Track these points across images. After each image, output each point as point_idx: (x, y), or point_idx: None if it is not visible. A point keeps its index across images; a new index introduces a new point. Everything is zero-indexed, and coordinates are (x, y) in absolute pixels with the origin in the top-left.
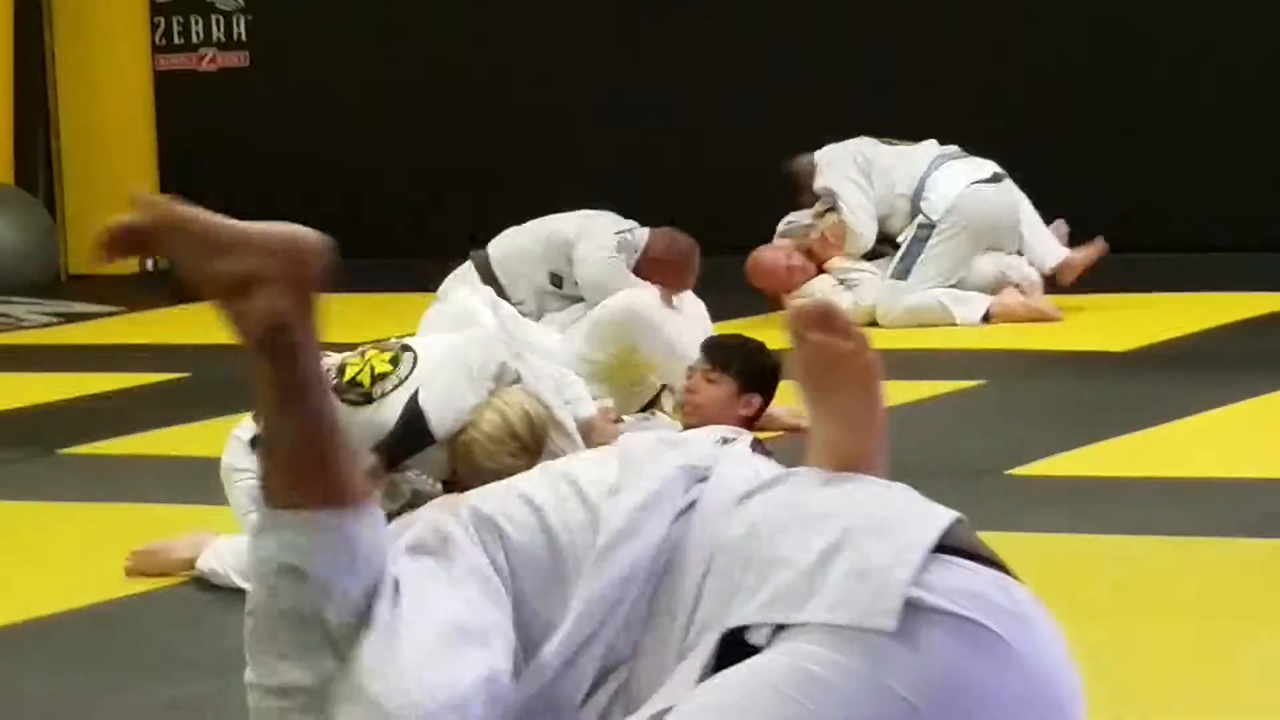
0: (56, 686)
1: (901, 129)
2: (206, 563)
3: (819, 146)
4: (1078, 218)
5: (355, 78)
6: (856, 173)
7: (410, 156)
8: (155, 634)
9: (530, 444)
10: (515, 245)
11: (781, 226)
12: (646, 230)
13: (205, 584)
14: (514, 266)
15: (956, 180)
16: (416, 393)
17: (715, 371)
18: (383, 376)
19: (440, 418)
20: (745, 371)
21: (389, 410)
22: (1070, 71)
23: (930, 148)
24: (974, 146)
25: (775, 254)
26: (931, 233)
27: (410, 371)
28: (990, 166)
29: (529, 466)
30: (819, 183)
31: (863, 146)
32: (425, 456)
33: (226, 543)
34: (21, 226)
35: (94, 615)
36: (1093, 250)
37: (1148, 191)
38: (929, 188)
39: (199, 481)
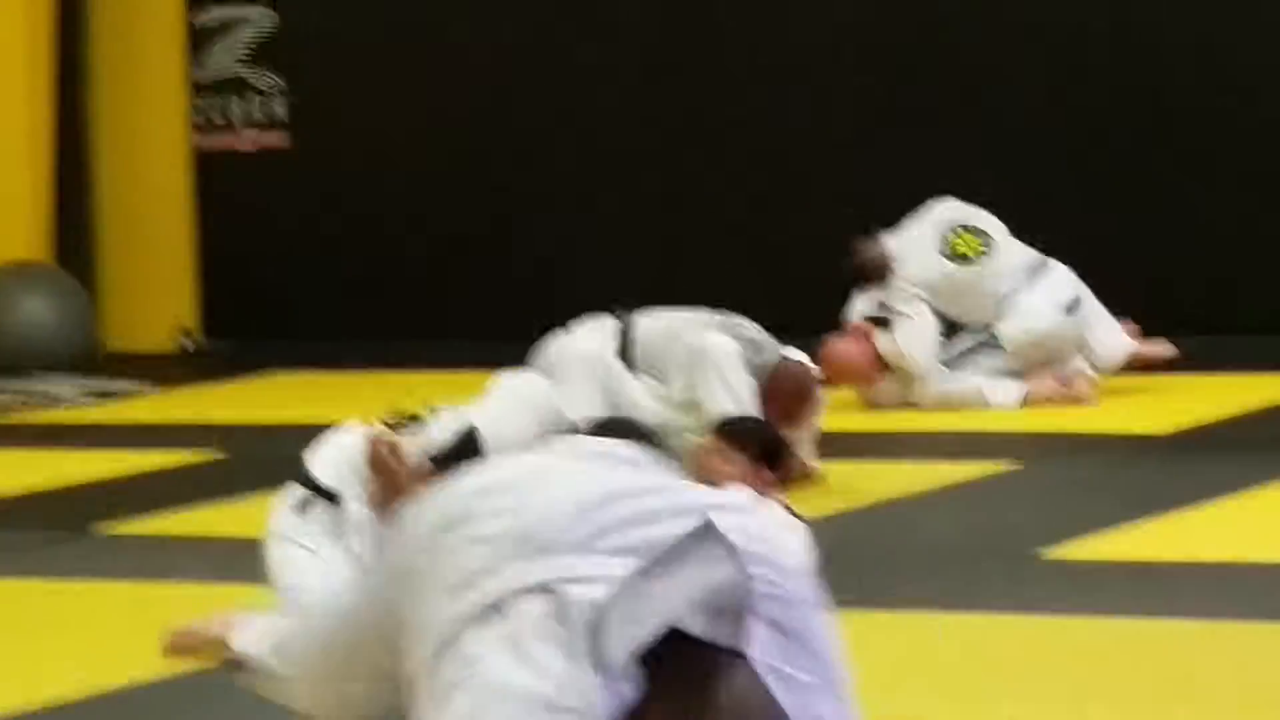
0: None
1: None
2: (239, 644)
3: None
4: (1111, 298)
5: (396, 160)
6: (918, 308)
7: (449, 238)
8: (189, 716)
9: None
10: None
11: (856, 313)
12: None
13: (241, 665)
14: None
15: (1040, 315)
16: (468, 418)
17: (730, 450)
18: (435, 410)
19: (494, 434)
20: (758, 446)
21: (437, 429)
22: (1111, 138)
23: (1013, 265)
24: (1019, 217)
25: (860, 348)
26: (998, 350)
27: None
28: (1069, 288)
29: None
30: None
31: (931, 275)
32: None
33: (260, 621)
34: (58, 304)
35: (127, 697)
36: (1159, 350)
37: (1181, 269)
38: (1009, 314)
39: (235, 561)
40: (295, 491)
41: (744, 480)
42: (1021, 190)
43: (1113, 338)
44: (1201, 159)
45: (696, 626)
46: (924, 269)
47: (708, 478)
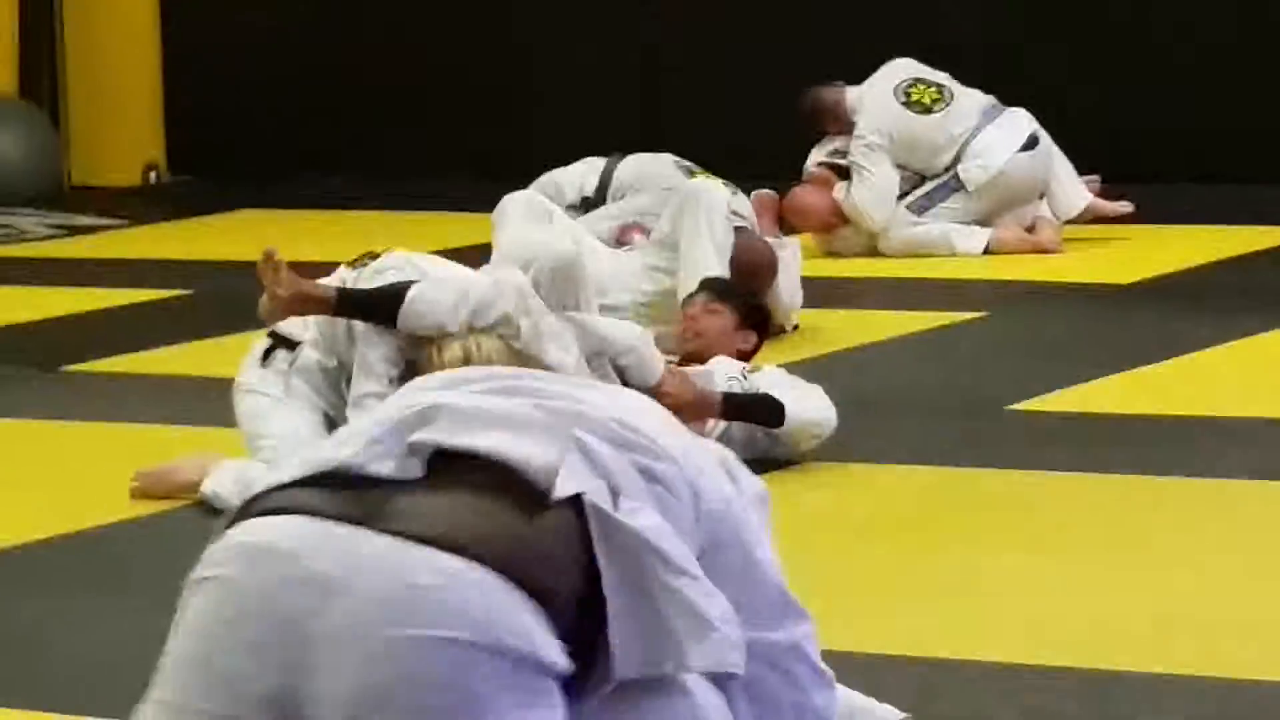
0: (50, 609)
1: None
2: (210, 486)
3: (837, 69)
4: (1077, 148)
5: None
6: (878, 160)
7: (417, 74)
8: (155, 558)
9: None
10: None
11: (813, 161)
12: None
13: (209, 508)
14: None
15: (997, 152)
16: (416, 272)
17: (717, 304)
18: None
19: (412, 304)
20: (746, 308)
21: (382, 266)
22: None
23: (969, 108)
24: (980, 75)
25: (820, 199)
26: (961, 191)
27: (420, 264)
28: (1027, 126)
29: None
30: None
31: (891, 122)
32: (380, 335)
33: (231, 466)
34: (24, 137)
35: (93, 538)
36: (1117, 207)
37: (1149, 119)
38: (968, 155)
39: (202, 402)
40: (261, 343)
41: (728, 333)
42: (980, 43)
43: (1072, 188)
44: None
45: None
46: (883, 118)
47: (694, 327)
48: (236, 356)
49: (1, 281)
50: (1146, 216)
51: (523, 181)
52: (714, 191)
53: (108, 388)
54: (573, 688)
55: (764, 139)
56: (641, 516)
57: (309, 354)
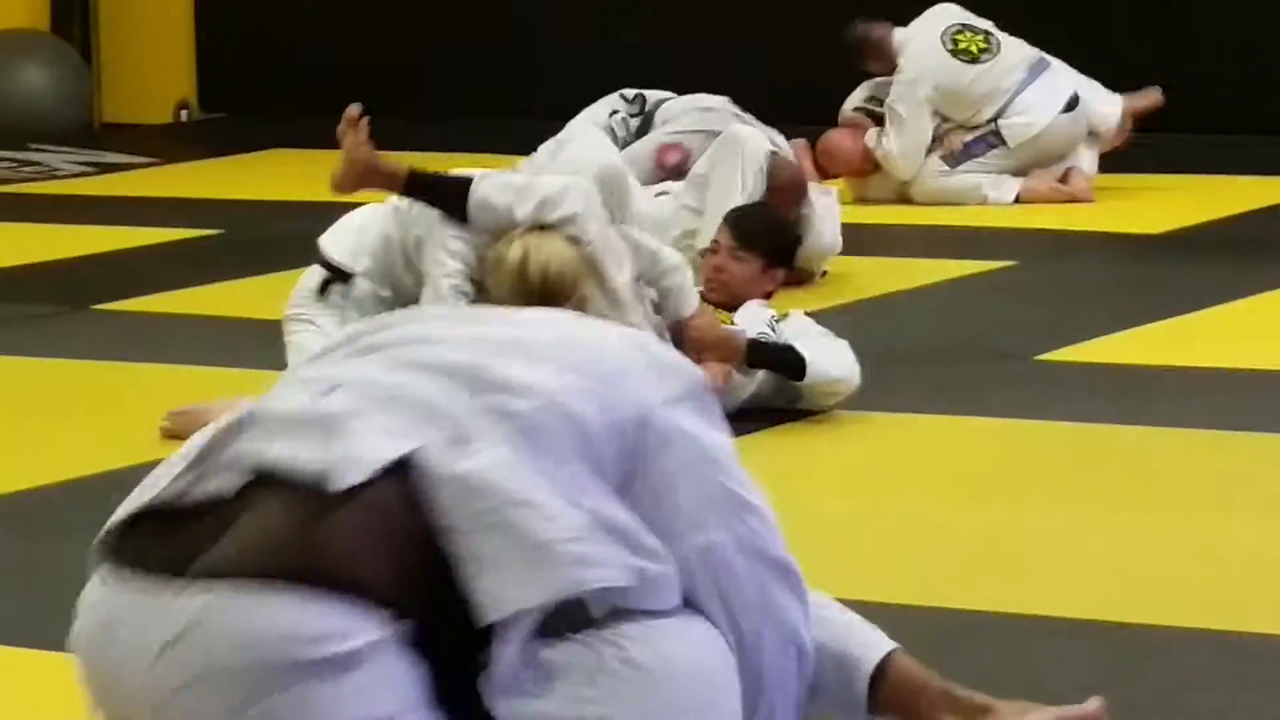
0: (80, 549)
1: None
2: None
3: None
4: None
5: None
6: (922, 108)
7: (456, 15)
8: None
9: (538, 297)
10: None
11: (851, 105)
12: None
13: None
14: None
15: (1042, 112)
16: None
17: (742, 249)
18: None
19: (481, 188)
20: (771, 248)
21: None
22: None
23: (1015, 61)
24: (1011, 22)
25: (854, 143)
26: (999, 147)
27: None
28: (1069, 85)
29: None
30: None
31: (944, 70)
32: (447, 233)
33: None
34: (56, 74)
35: (123, 478)
36: (1149, 99)
37: (1183, 67)
38: (1011, 111)
39: (233, 343)
40: (314, 273)
41: (755, 278)
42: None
43: (1107, 105)
44: None
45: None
46: (929, 64)
47: (719, 277)
48: (268, 297)
49: (32, 219)
50: (1177, 166)
51: (558, 124)
52: (756, 140)
53: (138, 327)
54: (473, 645)
55: (801, 82)
56: (478, 458)
57: (363, 285)
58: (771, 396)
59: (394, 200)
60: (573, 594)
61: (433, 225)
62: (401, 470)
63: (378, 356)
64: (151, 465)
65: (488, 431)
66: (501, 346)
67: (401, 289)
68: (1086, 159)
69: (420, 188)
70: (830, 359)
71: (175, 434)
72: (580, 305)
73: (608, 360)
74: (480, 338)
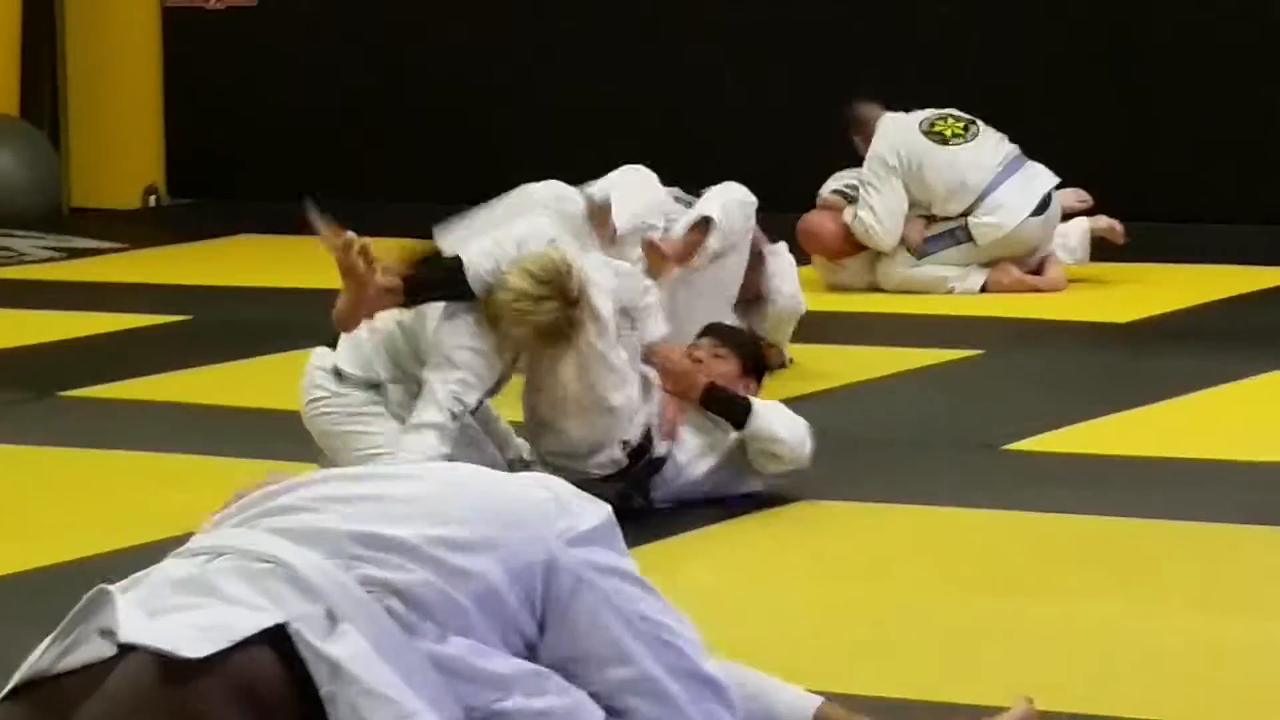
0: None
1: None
2: None
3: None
4: (1078, 184)
5: (363, 22)
6: (893, 177)
7: (416, 104)
8: None
9: (562, 291)
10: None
11: (828, 189)
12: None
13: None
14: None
15: (1013, 212)
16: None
17: (723, 349)
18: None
19: (475, 276)
20: (749, 356)
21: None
22: (1073, 29)
23: (990, 156)
24: (981, 111)
25: (832, 225)
26: (967, 243)
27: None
28: (1043, 186)
29: (566, 322)
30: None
31: (910, 148)
32: (454, 320)
33: None
34: (25, 159)
35: (87, 565)
36: (1103, 225)
37: (1149, 159)
38: (982, 209)
39: (203, 429)
40: (323, 355)
41: (731, 380)
42: (995, 87)
43: (1071, 226)
44: (1166, 52)
45: None
46: (898, 141)
47: (699, 371)
48: (238, 383)
49: None
50: (1143, 255)
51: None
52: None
53: (106, 413)
54: None
55: (778, 167)
56: (343, 644)
57: (396, 392)
58: (728, 481)
59: (394, 312)
60: None
61: (438, 334)
62: (270, 639)
63: (264, 524)
64: (117, 554)
65: (354, 613)
66: (393, 504)
67: (415, 375)
68: (1061, 250)
69: (421, 293)
70: (781, 420)
71: None
72: (577, 319)
73: (510, 508)
74: (371, 496)
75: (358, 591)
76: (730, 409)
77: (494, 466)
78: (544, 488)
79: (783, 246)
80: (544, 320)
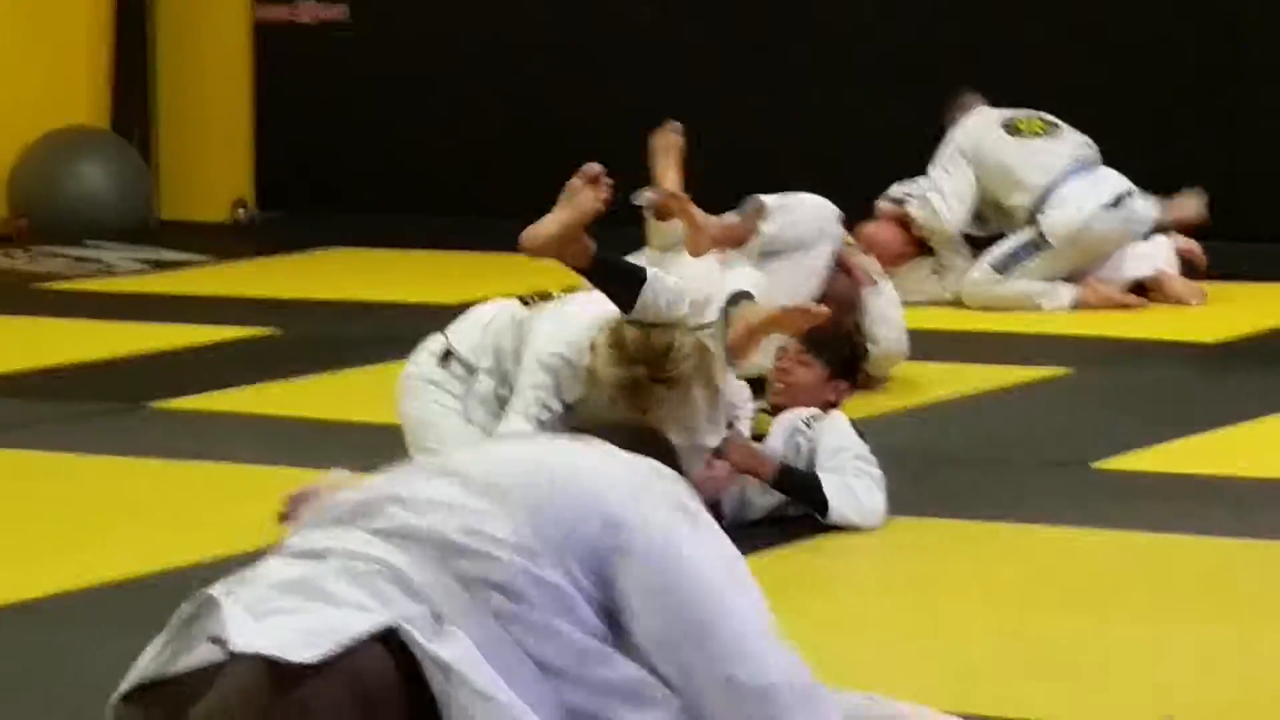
0: (136, 648)
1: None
2: None
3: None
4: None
5: (457, 36)
6: (964, 163)
7: (510, 116)
8: None
9: (639, 358)
10: None
11: (890, 197)
12: None
13: None
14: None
15: (1082, 204)
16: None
17: (809, 355)
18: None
19: (654, 287)
20: (838, 359)
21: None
22: (1162, 47)
23: (1060, 151)
24: (1073, 120)
25: (888, 232)
26: (1044, 248)
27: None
28: (1115, 183)
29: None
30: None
31: (984, 138)
32: (552, 352)
33: None
34: (115, 171)
35: (179, 576)
36: (1186, 208)
37: (1239, 177)
38: (1052, 203)
39: (290, 441)
40: (438, 339)
41: (818, 385)
42: (1076, 100)
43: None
44: (1257, 72)
45: None
46: (974, 132)
47: (784, 380)
48: (325, 396)
49: (89, 316)
50: (1234, 274)
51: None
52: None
53: (194, 425)
54: None
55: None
56: (451, 647)
57: (486, 382)
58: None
59: (516, 308)
60: None
61: (537, 338)
62: (380, 641)
63: (362, 524)
64: (209, 565)
65: (458, 613)
66: (481, 498)
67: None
68: (1163, 259)
69: (602, 273)
70: (854, 504)
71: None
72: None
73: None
74: (460, 490)
75: (459, 590)
76: (804, 496)
77: None
78: (638, 467)
79: (886, 285)
80: (624, 378)
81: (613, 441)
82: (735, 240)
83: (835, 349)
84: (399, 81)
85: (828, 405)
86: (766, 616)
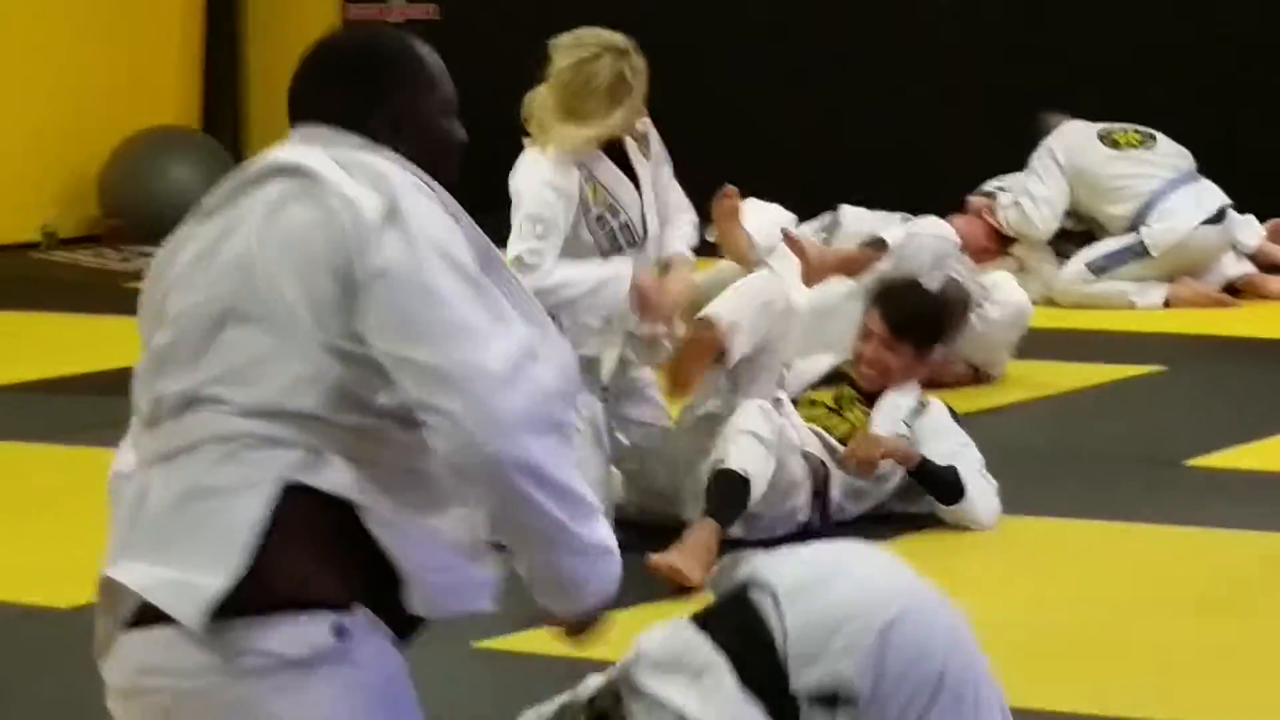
0: None
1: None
2: None
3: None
4: (1250, 199)
5: (547, 34)
6: (1057, 169)
7: None
8: None
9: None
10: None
11: (982, 191)
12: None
13: None
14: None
15: (1185, 218)
16: None
17: (895, 339)
18: None
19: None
20: (924, 336)
21: None
22: (1244, 50)
23: (1159, 163)
24: (1161, 123)
25: (972, 227)
26: (1144, 256)
27: None
28: (1217, 198)
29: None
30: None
31: (1081, 149)
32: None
33: None
34: (206, 171)
35: None
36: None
37: None
38: (1154, 217)
39: None
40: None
41: (908, 368)
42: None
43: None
44: None
45: None
46: (1070, 141)
47: (876, 366)
48: None
49: None
50: None
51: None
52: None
53: None
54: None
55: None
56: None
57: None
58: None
59: None
60: None
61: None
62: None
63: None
64: None
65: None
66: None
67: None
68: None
69: None
70: (986, 502)
71: None
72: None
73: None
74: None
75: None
76: (940, 490)
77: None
78: None
79: (989, 278)
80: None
81: None
82: (852, 271)
83: (922, 326)
84: (487, 79)
85: (922, 379)
86: (521, 346)
